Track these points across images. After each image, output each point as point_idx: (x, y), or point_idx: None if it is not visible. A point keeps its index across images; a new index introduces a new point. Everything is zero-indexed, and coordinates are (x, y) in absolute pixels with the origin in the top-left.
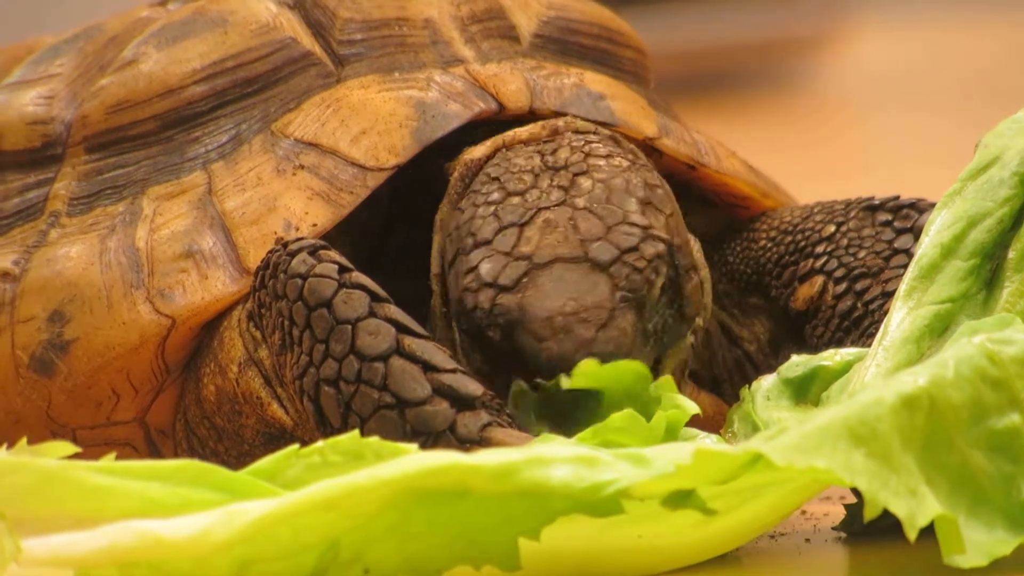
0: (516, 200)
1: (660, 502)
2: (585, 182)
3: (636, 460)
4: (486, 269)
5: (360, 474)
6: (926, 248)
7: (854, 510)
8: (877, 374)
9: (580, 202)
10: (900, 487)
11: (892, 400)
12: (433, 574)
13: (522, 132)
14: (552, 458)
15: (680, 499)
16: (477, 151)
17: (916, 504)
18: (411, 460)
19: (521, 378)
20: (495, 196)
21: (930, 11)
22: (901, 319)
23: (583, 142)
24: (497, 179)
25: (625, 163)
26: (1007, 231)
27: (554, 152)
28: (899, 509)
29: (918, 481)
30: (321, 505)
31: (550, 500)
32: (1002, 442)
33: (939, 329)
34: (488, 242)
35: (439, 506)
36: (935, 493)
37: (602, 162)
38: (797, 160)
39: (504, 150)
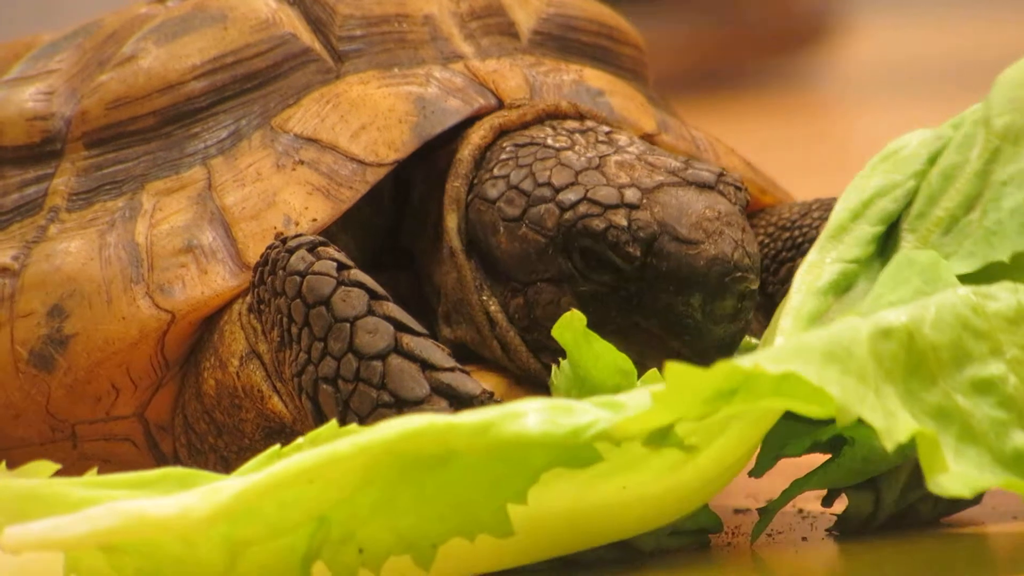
0: (569, 153)
1: (642, 442)
2: (621, 138)
3: (611, 406)
4: (603, 194)
5: (339, 443)
6: (836, 212)
7: (850, 510)
8: (793, 325)
9: (632, 150)
10: (878, 406)
11: (868, 329)
12: (428, 549)
13: (514, 116)
14: (527, 409)
15: (660, 437)
16: (476, 138)
17: (894, 421)
18: (389, 425)
19: (670, 287)
20: (545, 152)
21: (926, 6)
22: (809, 273)
23: (579, 121)
24: (531, 143)
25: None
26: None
27: (561, 123)
28: (875, 421)
29: (898, 407)
30: (303, 476)
31: (530, 457)
32: (988, 389)
33: (844, 287)
34: (574, 183)
35: (423, 476)
36: (919, 423)
37: (614, 127)
38: (792, 156)
39: (505, 133)
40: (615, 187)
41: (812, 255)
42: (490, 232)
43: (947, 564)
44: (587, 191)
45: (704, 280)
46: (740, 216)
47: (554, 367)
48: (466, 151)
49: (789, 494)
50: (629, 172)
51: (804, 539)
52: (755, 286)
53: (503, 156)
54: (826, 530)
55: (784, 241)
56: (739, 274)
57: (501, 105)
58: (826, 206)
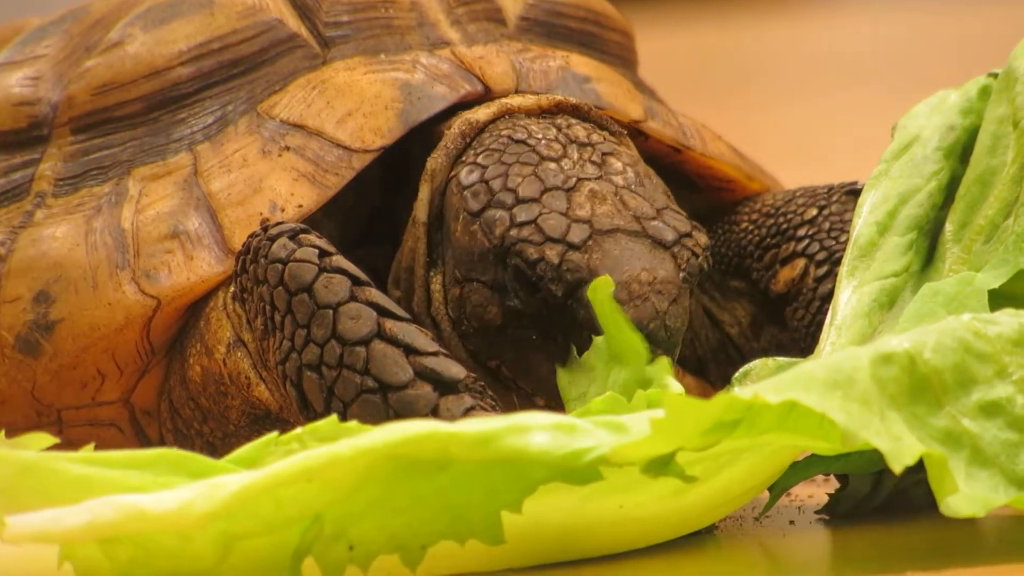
0: (553, 165)
1: (640, 469)
2: (615, 163)
3: (614, 427)
4: (550, 225)
5: (340, 444)
6: (861, 228)
7: (838, 494)
8: (833, 352)
9: (618, 180)
10: (883, 430)
11: (870, 356)
12: (417, 550)
13: (525, 102)
14: (531, 425)
15: (659, 465)
16: (480, 113)
17: (901, 445)
18: (391, 429)
19: (583, 333)
20: (529, 157)
21: None
22: (848, 298)
23: (589, 128)
24: (524, 142)
25: (632, 153)
26: (939, 206)
27: (569, 127)
28: (881, 444)
29: (904, 432)
30: (302, 475)
31: (530, 469)
32: (996, 411)
33: (887, 303)
34: (535, 200)
35: (421, 479)
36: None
37: (617, 147)
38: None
39: (507, 116)
40: (568, 219)
41: (843, 283)
42: (452, 216)
43: (937, 549)
44: (539, 214)
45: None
46: (678, 286)
47: (596, 339)
48: (455, 127)
49: (796, 476)
50: (596, 206)
51: (792, 522)
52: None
53: (494, 145)
54: (815, 512)
55: (768, 228)
56: (648, 346)
57: (488, 91)
58: (810, 192)
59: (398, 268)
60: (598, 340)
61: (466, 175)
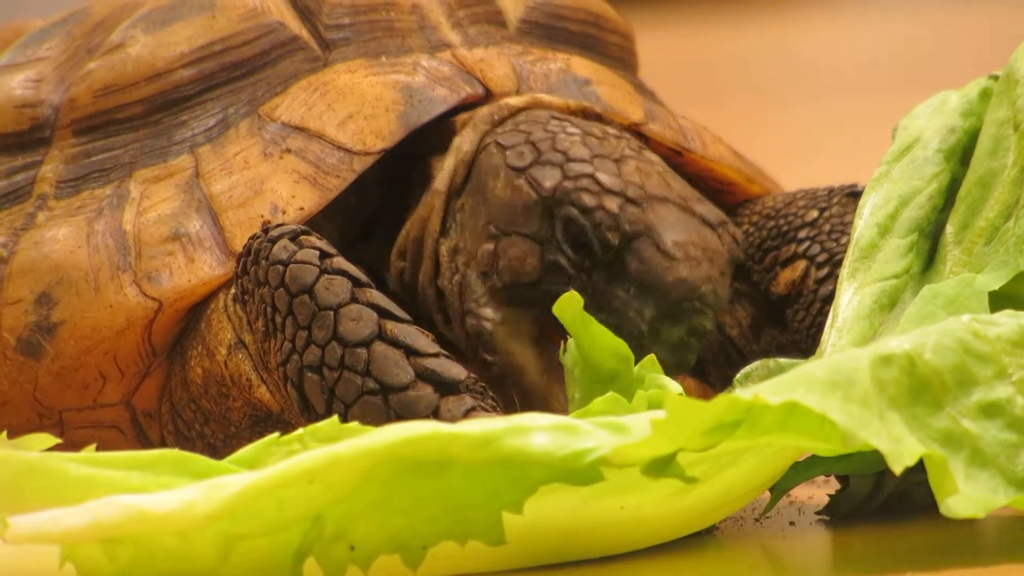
0: (595, 140)
1: (641, 470)
2: (650, 154)
3: (615, 428)
4: (607, 179)
5: (341, 445)
6: (862, 230)
7: (838, 495)
8: (834, 353)
9: (658, 167)
10: (883, 431)
11: (870, 357)
12: (418, 550)
13: (555, 101)
14: (532, 427)
15: (660, 466)
16: (514, 100)
17: (900, 446)
18: (392, 430)
19: (631, 289)
20: (572, 130)
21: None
22: (849, 299)
23: (618, 128)
24: (564, 120)
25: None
26: (940, 208)
27: (595, 125)
28: (881, 445)
29: (904, 433)
30: (303, 476)
31: (531, 470)
32: (996, 412)
33: (888, 305)
34: (586, 160)
35: (422, 479)
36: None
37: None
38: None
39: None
40: (625, 182)
41: (844, 285)
42: (490, 175)
43: (937, 549)
44: (595, 171)
45: (664, 296)
46: (726, 262)
47: (569, 342)
48: (484, 110)
49: (796, 477)
50: (644, 177)
51: (792, 523)
52: (709, 326)
53: (532, 118)
54: (815, 513)
55: (769, 230)
56: (699, 304)
57: (488, 94)
58: (810, 195)
59: (405, 240)
60: (571, 343)
61: (508, 137)
